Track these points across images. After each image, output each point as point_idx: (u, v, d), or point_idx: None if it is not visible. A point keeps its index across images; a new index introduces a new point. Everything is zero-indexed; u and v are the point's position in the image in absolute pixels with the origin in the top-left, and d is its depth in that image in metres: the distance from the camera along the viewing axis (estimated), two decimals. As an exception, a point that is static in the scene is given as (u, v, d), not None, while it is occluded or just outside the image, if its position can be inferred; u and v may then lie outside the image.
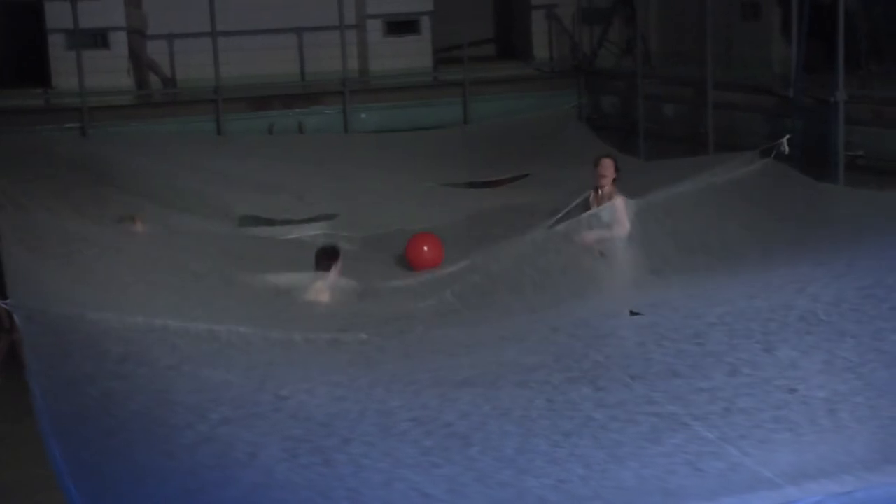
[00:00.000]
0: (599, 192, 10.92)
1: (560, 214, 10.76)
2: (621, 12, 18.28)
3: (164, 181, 14.04)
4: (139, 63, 17.74)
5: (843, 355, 7.20)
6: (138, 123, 16.43)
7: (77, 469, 5.69)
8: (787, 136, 11.31)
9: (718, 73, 14.73)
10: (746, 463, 6.19)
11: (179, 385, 6.88)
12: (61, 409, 6.28)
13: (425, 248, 11.73)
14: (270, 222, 13.91)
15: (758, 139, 12.82)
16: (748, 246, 9.57)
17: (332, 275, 9.92)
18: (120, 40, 17.54)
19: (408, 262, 11.64)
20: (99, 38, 17.35)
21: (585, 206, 10.89)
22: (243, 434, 6.45)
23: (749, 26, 16.14)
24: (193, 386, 6.89)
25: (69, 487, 5.56)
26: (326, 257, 10.07)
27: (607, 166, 11.03)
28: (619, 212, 10.36)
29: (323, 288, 9.83)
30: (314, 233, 13.22)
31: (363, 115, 17.19)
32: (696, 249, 9.78)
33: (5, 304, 7.02)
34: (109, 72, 17.00)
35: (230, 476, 6.03)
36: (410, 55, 18.48)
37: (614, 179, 10.88)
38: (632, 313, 8.44)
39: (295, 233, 13.53)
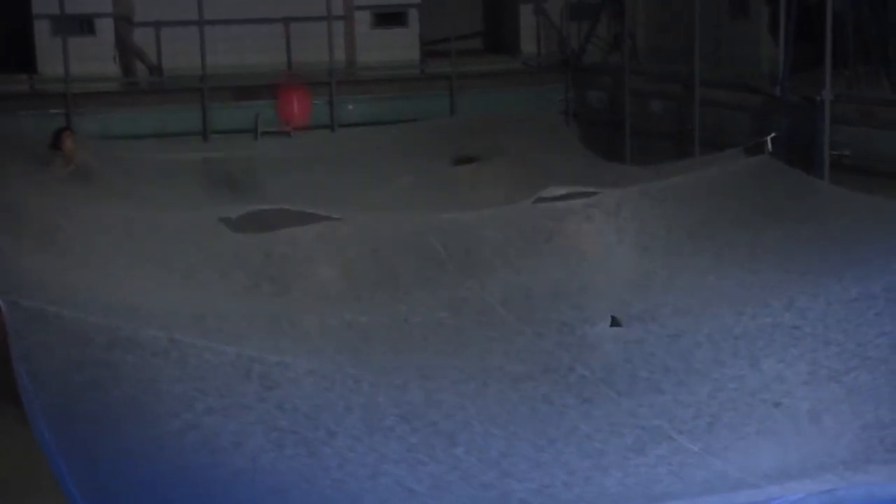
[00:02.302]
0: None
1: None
2: (609, 8, 18.28)
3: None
4: (125, 50, 17.66)
5: (827, 364, 7.23)
6: (123, 111, 16.36)
7: (65, 445, 5.70)
8: (771, 135, 11.36)
9: (706, 70, 14.74)
10: (730, 471, 6.21)
11: (166, 372, 6.88)
12: (48, 394, 6.28)
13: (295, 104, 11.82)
14: None
15: (745, 137, 12.84)
16: (740, 247, 9.57)
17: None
18: (106, 27, 17.48)
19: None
20: (85, 25, 17.30)
21: None
22: (229, 424, 6.47)
23: (737, 24, 16.16)
24: (180, 373, 6.89)
25: (58, 462, 5.56)
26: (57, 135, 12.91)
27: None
28: None
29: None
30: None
31: (350, 107, 17.12)
32: (687, 248, 9.79)
33: None
34: (95, 59, 16.91)
35: (216, 461, 6.05)
36: (398, 47, 18.45)
37: None
38: (613, 322, 8.45)
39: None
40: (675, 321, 8.17)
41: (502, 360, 7.75)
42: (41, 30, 17.14)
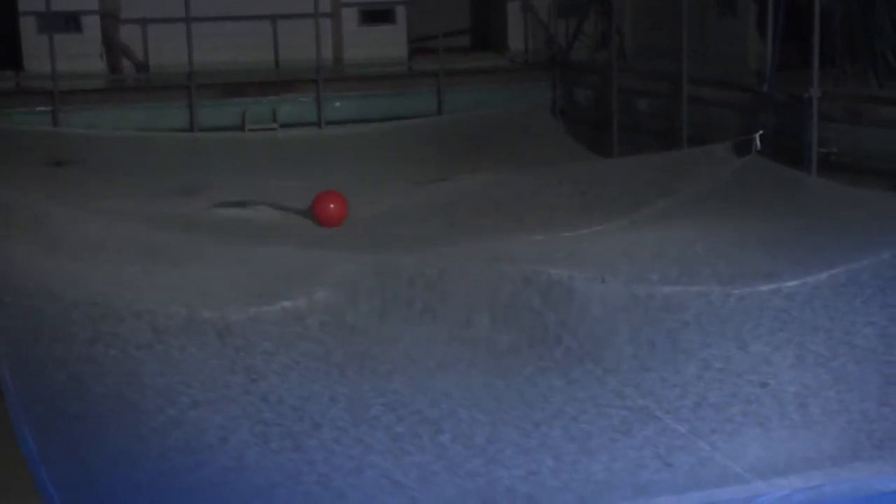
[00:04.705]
0: None
1: None
2: (597, 5, 18.27)
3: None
4: (112, 47, 17.62)
5: (814, 350, 7.23)
6: (110, 108, 16.32)
7: (47, 453, 5.64)
8: (759, 133, 11.40)
9: (693, 67, 14.74)
10: (716, 458, 6.20)
11: (150, 366, 6.83)
12: (31, 394, 6.22)
13: (331, 206, 12.15)
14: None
15: (732, 134, 12.87)
16: (729, 241, 9.59)
17: None
18: (93, 24, 17.47)
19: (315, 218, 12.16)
20: (71, 22, 17.27)
21: None
22: (214, 418, 6.41)
23: (725, 22, 16.17)
24: (164, 367, 6.84)
25: (40, 471, 5.50)
26: None
27: None
28: None
29: None
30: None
31: (337, 104, 17.10)
32: (680, 243, 9.80)
33: None
34: (82, 56, 16.90)
35: (201, 460, 6.00)
36: (385, 45, 18.45)
37: None
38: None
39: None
40: (661, 289, 8.17)
41: (489, 329, 7.74)
42: (27, 27, 17.12)
